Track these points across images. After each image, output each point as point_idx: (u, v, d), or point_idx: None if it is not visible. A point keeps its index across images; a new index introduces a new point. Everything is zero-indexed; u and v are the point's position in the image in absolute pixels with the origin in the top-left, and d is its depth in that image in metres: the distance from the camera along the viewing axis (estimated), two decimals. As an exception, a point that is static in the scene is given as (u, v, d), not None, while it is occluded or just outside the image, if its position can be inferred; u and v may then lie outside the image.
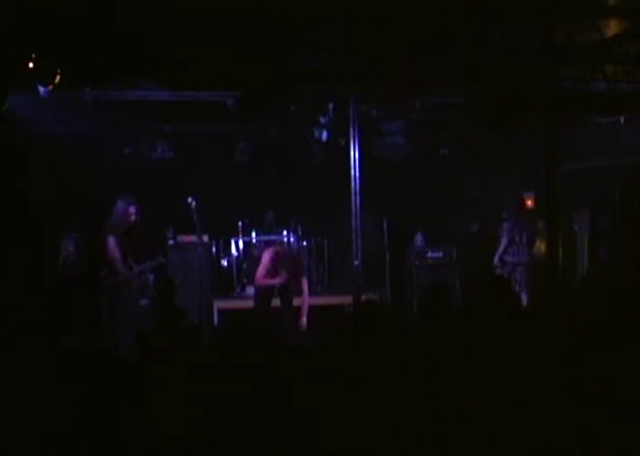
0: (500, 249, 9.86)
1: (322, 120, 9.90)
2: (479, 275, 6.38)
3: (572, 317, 4.01)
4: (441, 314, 4.83)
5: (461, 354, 4.08)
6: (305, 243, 11.12)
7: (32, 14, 6.24)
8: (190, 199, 8.45)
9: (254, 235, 11.02)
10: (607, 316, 4.45)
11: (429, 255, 10.91)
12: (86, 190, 9.47)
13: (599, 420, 3.71)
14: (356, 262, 8.80)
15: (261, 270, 8.62)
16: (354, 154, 8.74)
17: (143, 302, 9.99)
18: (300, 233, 11.04)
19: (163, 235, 10.28)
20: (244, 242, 10.98)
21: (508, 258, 9.82)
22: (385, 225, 11.00)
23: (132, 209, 8.03)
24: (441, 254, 10.90)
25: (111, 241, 7.86)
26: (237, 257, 10.93)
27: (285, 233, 10.97)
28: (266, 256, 8.66)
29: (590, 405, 3.75)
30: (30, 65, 6.85)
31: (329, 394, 3.73)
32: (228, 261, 10.93)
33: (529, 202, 10.55)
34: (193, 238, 9.32)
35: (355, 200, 8.69)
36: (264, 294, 8.72)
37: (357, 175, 8.72)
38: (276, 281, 8.57)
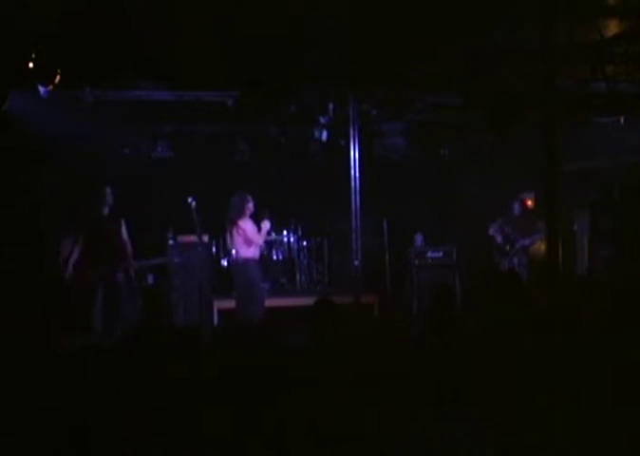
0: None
1: (322, 120, 9.90)
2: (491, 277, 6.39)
3: (573, 317, 4.01)
4: (445, 314, 4.84)
5: (464, 353, 4.09)
6: (305, 243, 11.12)
7: (32, 14, 6.24)
8: (190, 199, 8.46)
9: (253, 235, 11.00)
10: (609, 316, 4.45)
11: (429, 255, 10.91)
12: (86, 190, 9.45)
13: (601, 420, 3.71)
14: (356, 262, 8.81)
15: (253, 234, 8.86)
16: (354, 154, 8.74)
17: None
18: (300, 233, 11.03)
19: (163, 235, 10.27)
20: (244, 242, 10.96)
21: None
22: (385, 225, 11.00)
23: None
24: (441, 254, 10.90)
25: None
26: (237, 257, 10.92)
27: (285, 233, 10.97)
28: (248, 226, 8.86)
29: (592, 405, 3.75)
30: (30, 65, 6.85)
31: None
32: (228, 261, 10.93)
33: (529, 203, 10.55)
34: (193, 238, 9.32)
35: (355, 200, 8.69)
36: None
37: (357, 175, 8.72)
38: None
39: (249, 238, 8.83)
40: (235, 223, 8.84)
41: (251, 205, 8.87)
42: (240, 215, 8.84)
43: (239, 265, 8.99)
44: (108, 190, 8.29)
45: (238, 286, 9.04)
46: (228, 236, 9.10)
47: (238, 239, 8.87)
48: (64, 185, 9.63)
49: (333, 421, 3.57)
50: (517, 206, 10.23)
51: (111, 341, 7.71)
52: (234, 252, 9.09)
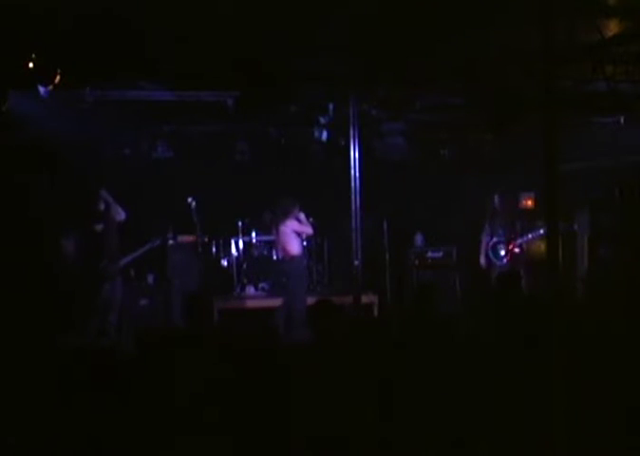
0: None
1: (322, 120, 9.90)
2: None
3: (573, 317, 4.01)
4: (427, 314, 4.84)
5: (450, 353, 4.09)
6: (305, 243, 11.12)
7: (32, 15, 6.24)
8: (190, 199, 8.48)
9: (254, 235, 11.03)
10: (609, 316, 4.45)
11: (429, 255, 10.92)
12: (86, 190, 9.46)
13: (601, 421, 3.71)
14: (356, 262, 8.80)
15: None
16: (354, 154, 8.74)
17: (143, 302, 10.00)
18: (300, 232, 11.05)
19: (163, 235, 10.27)
20: (244, 242, 10.98)
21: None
22: (385, 225, 11.00)
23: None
24: (441, 254, 10.91)
25: None
26: (237, 257, 10.94)
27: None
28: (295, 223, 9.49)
29: (592, 406, 3.75)
30: (30, 65, 6.85)
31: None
32: (228, 261, 10.93)
33: (529, 202, 10.55)
34: (193, 238, 9.33)
35: (355, 200, 8.69)
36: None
37: (357, 175, 8.72)
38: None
39: (300, 232, 9.60)
40: (283, 223, 9.46)
41: (297, 209, 9.54)
42: (290, 215, 9.45)
43: (294, 261, 9.55)
44: (103, 190, 8.56)
45: (292, 282, 9.52)
46: (276, 235, 9.66)
47: (288, 237, 9.46)
48: (64, 185, 9.63)
49: (331, 420, 3.57)
50: (497, 200, 10.19)
51: (106, 342, 7.79)
52: (280, 249, 9.65)
